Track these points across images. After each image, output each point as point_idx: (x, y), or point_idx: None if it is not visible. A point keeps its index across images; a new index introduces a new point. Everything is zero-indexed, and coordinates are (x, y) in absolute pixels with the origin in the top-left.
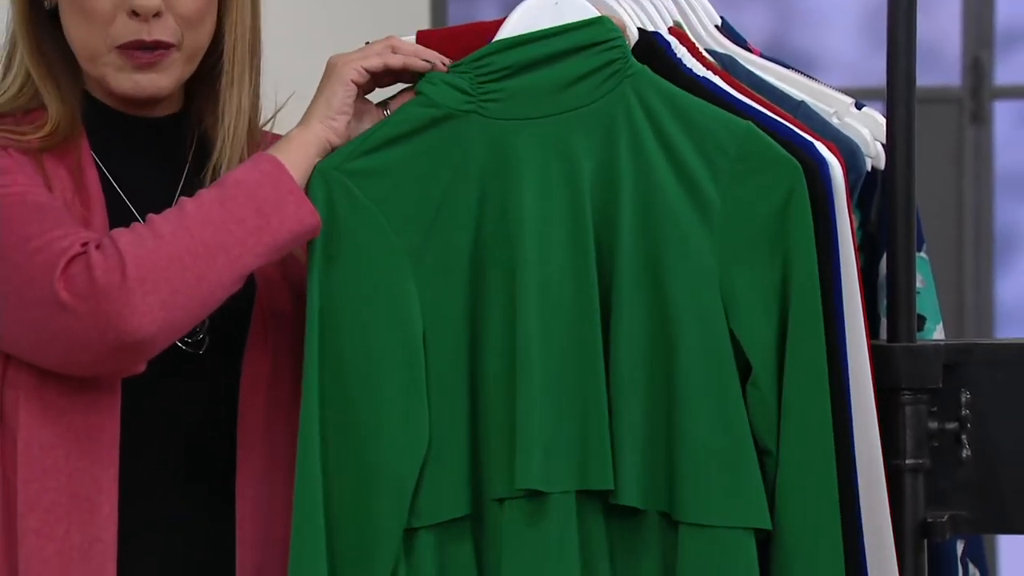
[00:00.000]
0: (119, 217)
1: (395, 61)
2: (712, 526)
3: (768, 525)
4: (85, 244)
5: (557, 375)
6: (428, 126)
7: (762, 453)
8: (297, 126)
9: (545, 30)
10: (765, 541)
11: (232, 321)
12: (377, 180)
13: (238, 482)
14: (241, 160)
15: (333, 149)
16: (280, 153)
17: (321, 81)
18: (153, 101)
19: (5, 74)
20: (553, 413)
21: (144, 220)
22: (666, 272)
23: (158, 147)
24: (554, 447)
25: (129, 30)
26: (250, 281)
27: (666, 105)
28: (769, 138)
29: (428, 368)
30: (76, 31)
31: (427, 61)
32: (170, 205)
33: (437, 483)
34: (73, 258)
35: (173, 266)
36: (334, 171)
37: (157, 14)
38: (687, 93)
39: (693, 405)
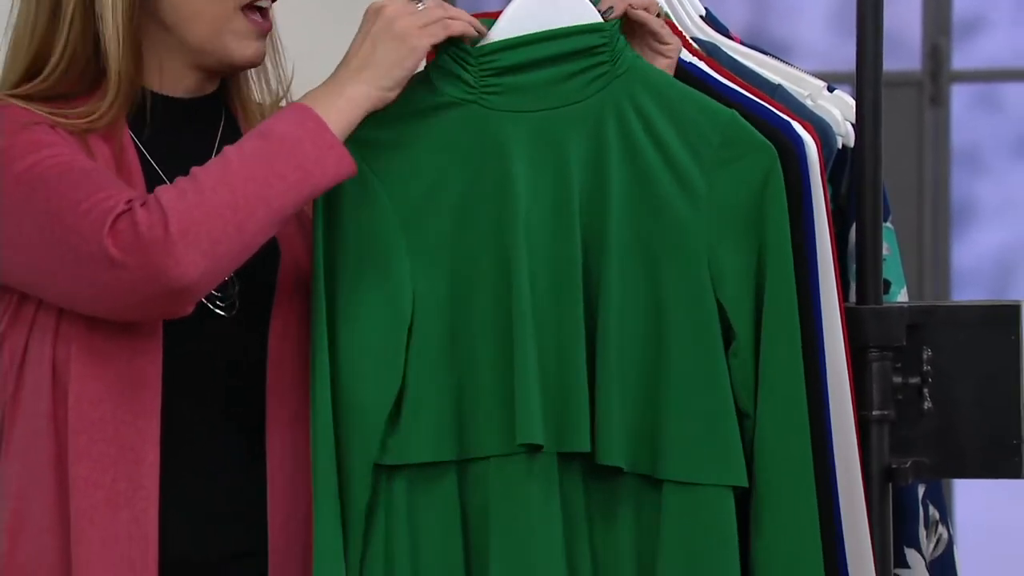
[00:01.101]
0: None
1: (457, 29)
2: (695, 484)
3: (745, 483)
4: (130, 202)
5: (541, 343)
6: (432, 109)
7: (741, 416)
8: (352, 78)
9: (548, 33)
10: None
11: (260, 286)
12: (380, 153)
13: (268, 432)
14: None
15: None
16: (326, 105)
17: (380, 41)
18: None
19: (49, 56)
20: (544, 376)
21: None
22: (656, 249)
23: (193, 126)
24: (540, 409)
25: None
26: (275, 250)
27: (654, 100)
28: (749, 125)
29: (420, 330)
30: (200, 1)
31: (476, 30)
32: None
33: (417, 427)
34: (119, 215)
35: (213, 220)
36: (368, 131)
37: None
38: (676, 84)
39: (682, 370)
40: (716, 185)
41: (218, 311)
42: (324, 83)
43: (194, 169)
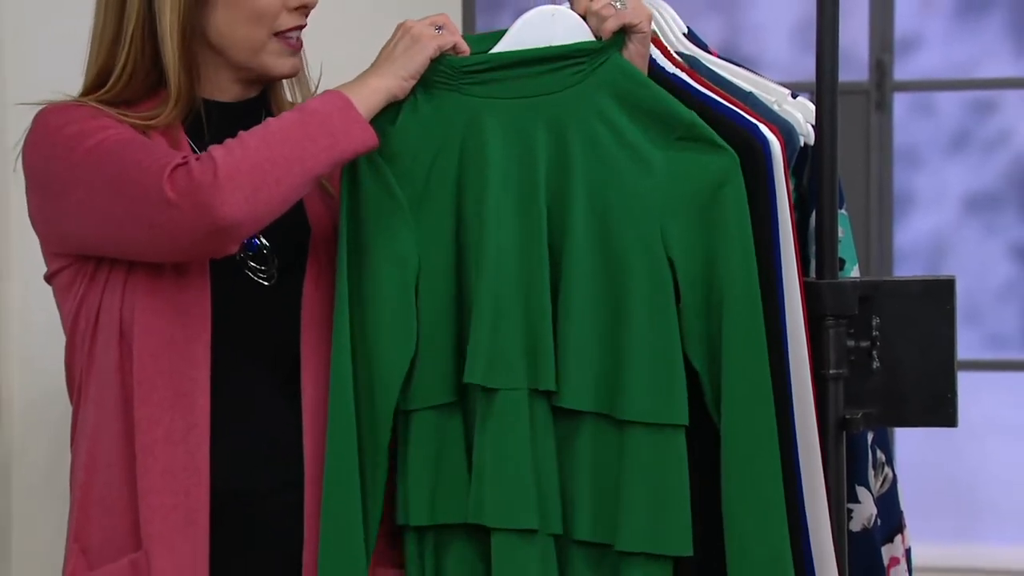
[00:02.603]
0: None
1: (461, 44)
2: (652, 424)
3: (687, 422)
4: (185, 157)
5: (510, 296)
6: (422, 102)
7: (693, 371)
8: (375, 73)
9: (534, 57)
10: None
11: (295, 259)
12: (387, 140)
13: (303, 380)
14: None
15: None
16: (354, 92)
17: (399, 42)
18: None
19: (113, 69)
20: (508, 326)
21: None
22: (612, 215)
23: (239, 125)
24: (507, 353)
25: (293, 19)
26: (307, 229)
27: (621, 95)
28: (709, 128)
29: (425, 294)
30: (242, 30)
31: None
32: None
33: (430, 375)
34: (177, 167)
35: (255, 171)
36: (382, 125)
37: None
38: (648, 84)
39: (638, 321)
40: (672, 165)
41: (261, 281)
42: (363, 73)
43: (240, 132)
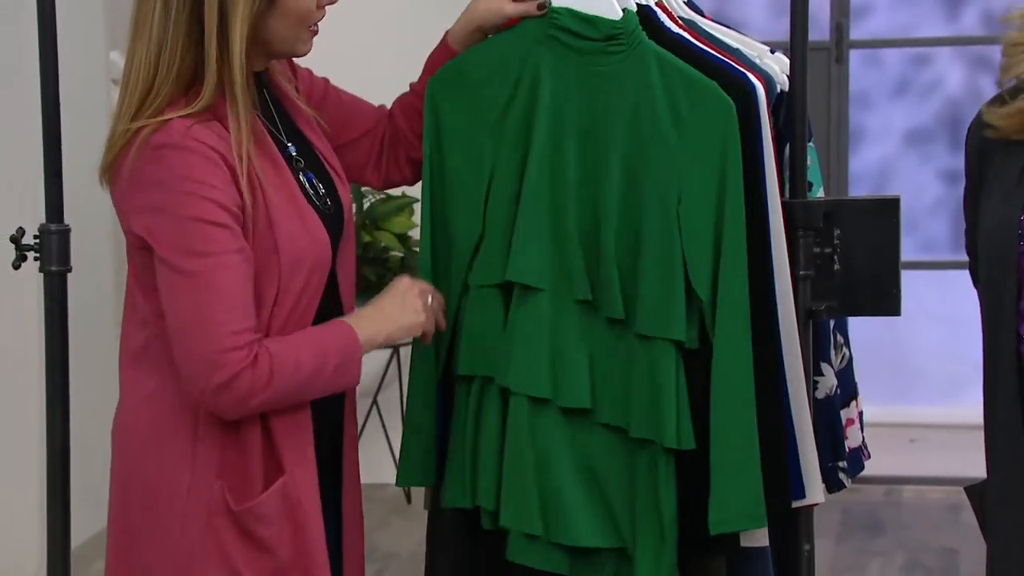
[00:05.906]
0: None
1: (430, 335)
2: (654, 337)
3: (684, 338)
4: (243, 360)
5: (582, 214)
6: (511, 48)
7: (697, 299)
8: (388, 321)
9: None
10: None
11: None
12: (480, 69)
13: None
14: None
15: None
16: (366, 332)
17: (407, 308)
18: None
19: (170, 60)
20: (554, 235)
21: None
22: (644, 166)
23: (267, 90)
24: (540, 262)
25: (321, 13)
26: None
27: (659, 67)
28: (715, 83)
29: (495, 195)
30: (292, 31)
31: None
32: (287, 133)
33: (489, 260)
34: (237, 374)
35: (290, 396)
36: (459, 63)
37: None
38: (671, 58)
39: (650, 257)
40: (686, 135)
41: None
42: (374, 315)
43: (302, 356)
